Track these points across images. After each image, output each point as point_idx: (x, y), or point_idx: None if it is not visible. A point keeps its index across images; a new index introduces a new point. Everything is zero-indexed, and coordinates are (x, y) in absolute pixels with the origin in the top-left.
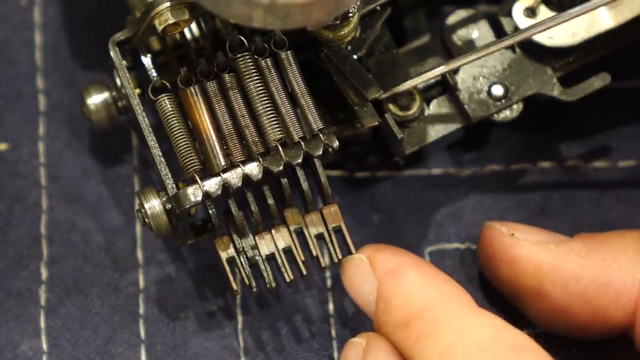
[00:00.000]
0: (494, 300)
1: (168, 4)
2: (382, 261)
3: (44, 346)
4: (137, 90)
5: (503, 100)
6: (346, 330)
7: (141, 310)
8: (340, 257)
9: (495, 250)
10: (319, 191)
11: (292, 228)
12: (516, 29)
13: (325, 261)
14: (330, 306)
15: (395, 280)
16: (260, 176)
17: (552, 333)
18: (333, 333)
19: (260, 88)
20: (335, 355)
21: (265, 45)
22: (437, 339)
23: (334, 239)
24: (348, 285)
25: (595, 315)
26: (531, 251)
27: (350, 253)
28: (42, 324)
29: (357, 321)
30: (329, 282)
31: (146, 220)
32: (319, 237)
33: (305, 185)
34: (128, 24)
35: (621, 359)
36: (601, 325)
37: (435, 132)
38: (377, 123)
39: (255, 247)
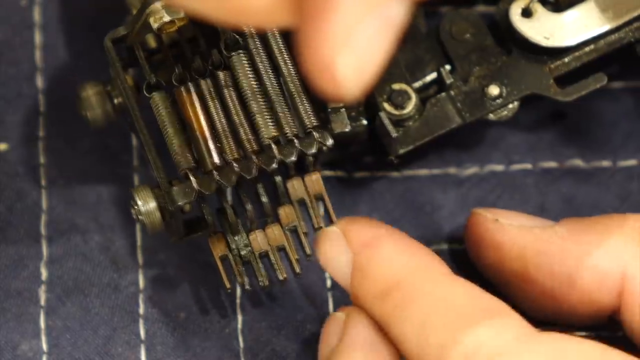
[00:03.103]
0: None
1: (164, 1)
2: (357, 233)
3: (44, 346)
4: (133, 87)
5: (499, 100)
6: None
7: (141, 310)
8: (321, 225)
9: (481, 236)
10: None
11: (285, 226)
12: (513, 29)
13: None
14: (330, 306)
15: (370, 252)
16: (253, 174)
17: (541, 320)
18: None
19: (255, 85)
20: None
21: (259, 44)
22: (415, 308)
23: (314, 206)
24: (323, 258)
25: (582, 299)
26: (515, 236)
27: (332, 222)
28: (42, 324)
29: None
30: (328, 282)
31: (139, 217)
32: (301, 202)
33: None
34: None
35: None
36: (588, 309)
37: (431, 131)
38: (347, 130)
39: (248, 245)
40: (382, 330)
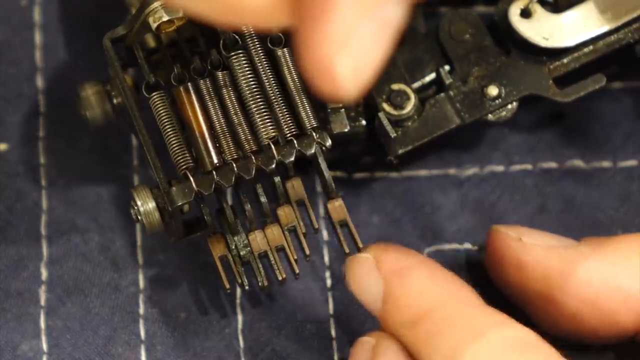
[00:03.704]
0: (492, 301)
1: (162, 1)
2: (389, 260)
3: (44, 346)
4: (132, 87)
5: (498, 101)
6: (346, 331)
7: (141, 310)
8: (347, 250)
9: (503, 255)
10: (323, 187)
11: (285, 227)
12: (512, 30)
13: (325, 261)
14: (330, 306)
15: (402, 280)
16: (252, 174)
17: (561, 338)
18: (333, 333)
19: (254, 86)
20: (336, 355)
21: (259, 43)
22: (446, 337)
23: (340, 233)
24: (353, 284)
25: (605, 319)
26: (539, 256)
27: (357, 247)
28: (42, 324)
29: (357, 321)
30: (328, 282)
31: (139, 217)
32: (300, 203)
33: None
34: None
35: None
36: (610, 329)
37: (430, 132)
38: (345, 130)
39: (248, 245)
40: (411, 357)
